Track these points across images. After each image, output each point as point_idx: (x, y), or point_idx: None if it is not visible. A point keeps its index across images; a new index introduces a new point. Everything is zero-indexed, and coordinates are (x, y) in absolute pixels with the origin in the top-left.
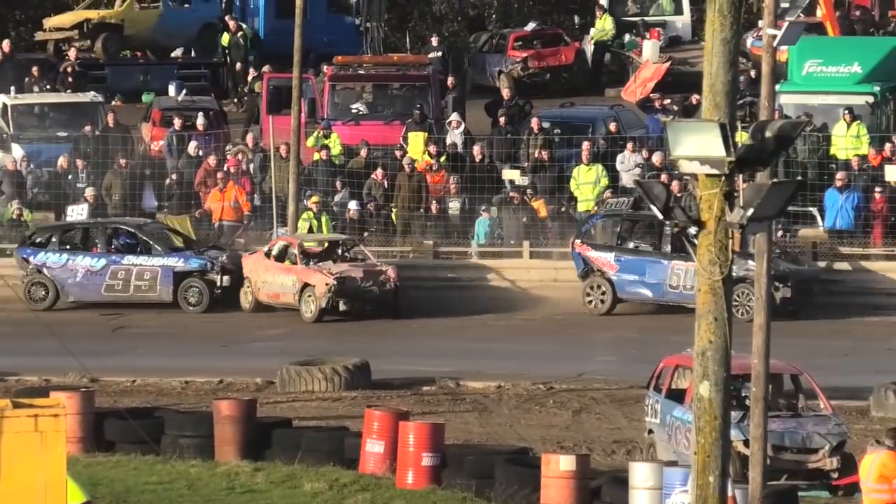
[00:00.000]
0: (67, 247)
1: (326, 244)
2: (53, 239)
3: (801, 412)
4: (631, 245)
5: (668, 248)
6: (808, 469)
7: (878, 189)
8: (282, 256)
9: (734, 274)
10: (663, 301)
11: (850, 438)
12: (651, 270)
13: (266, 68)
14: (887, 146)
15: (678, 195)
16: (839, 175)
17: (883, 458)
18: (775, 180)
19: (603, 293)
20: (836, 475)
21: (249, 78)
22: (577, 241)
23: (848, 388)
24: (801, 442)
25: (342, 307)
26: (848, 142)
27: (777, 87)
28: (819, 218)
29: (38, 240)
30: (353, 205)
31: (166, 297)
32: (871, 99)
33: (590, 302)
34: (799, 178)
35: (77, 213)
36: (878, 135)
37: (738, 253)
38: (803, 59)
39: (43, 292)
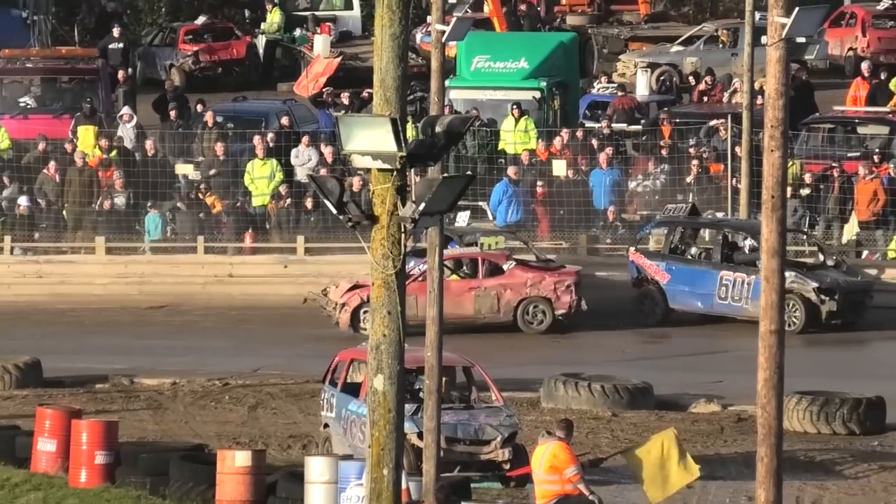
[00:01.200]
0: None
1: None
2: None
3: (473, 404)
4: (690, 254)
5: (717, 258)
6: (481, 460)
7: (539, 183)
8: None
9: None
10: (713, 312)
11: (522, 430)
12: (701, 280)
13: None
14: (556, 140)
15: (356, 191)
16: (510, 169)
17: (553, 449)
18: (446, 175)
19: (655, 303)
20: (508, 466)
21: None
22: (632, 249)
23: (519, 380)
24: (474, 434)
25: None
26: (516, 136)
27: (446, 82)
28: (489, 212)
29: None
30: (22, 200)
31: None
32: (538, 94)
33: (642, 312)
34: (468, 172)
35: None
36: (546, 129)
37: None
38: (472, 55)
39: None
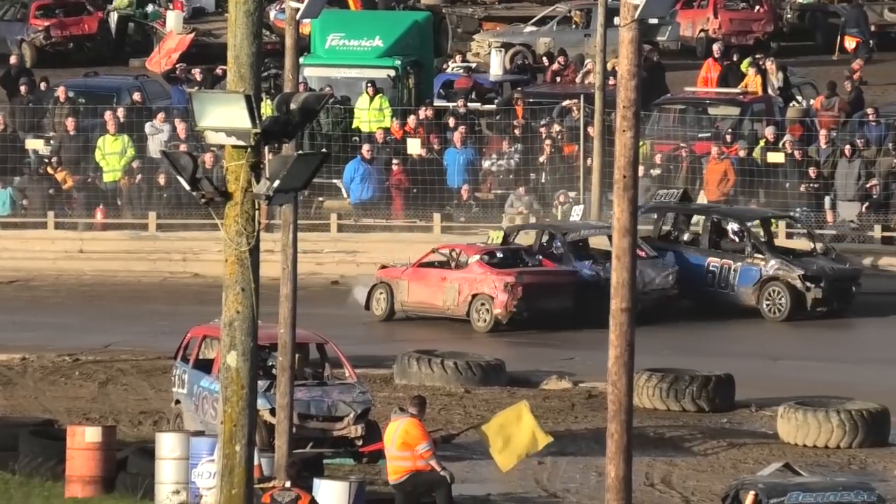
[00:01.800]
0: None
1: None
2: None
3: (326, 381)
4: (684, 240)
5: (705, 244)
6: (334, 437)
7: (395, 161)
8: None
9: (767, 273)
10: (701, 299)
11: (375, 406)
12: (688, 266)
13: None
14: (410, 119)
15: (209, 167)
16: (364, 147)
17: (406, 426)
18: (300, 152)
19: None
20: (360, 442)
21: None
22: None
23: (373, 357)
24: (327, 410)
25: None
26: (371, 115)
27: (301, 60)
28: (343, 190)
29: None
30: None
31: None
32: (392, 73)
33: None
34: (323, 150)
35: None
36: (401, 108)
37: (764, 252)
38: (326, 33)
39: None
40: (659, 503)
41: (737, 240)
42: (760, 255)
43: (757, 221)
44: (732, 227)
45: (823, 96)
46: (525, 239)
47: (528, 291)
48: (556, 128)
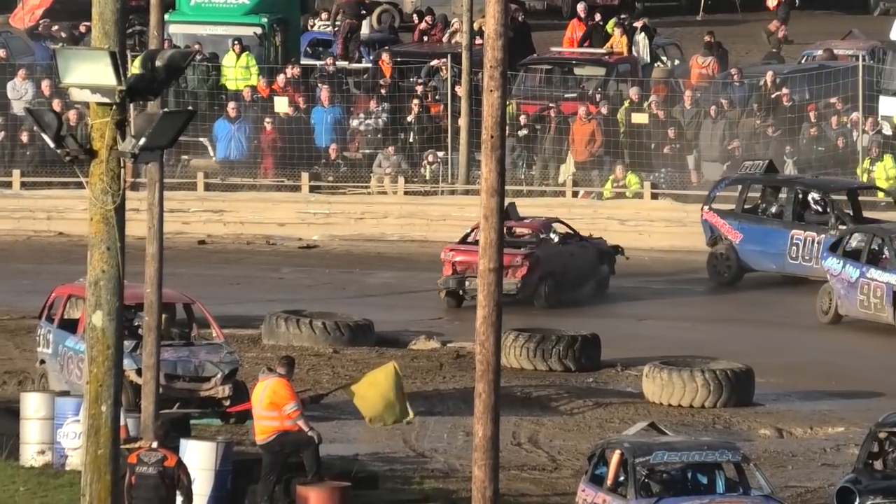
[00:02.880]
0: None
1: None
2: None
3: (193, 341)
4: (769, 213)
5: (789, 216)
6: (201, 397)
7: (268, 120)
8: None
9: None
10: (785, 272)
11: (243, 366)
12: (772, 239)
13: None
14: (279, 77)
15: (73, 125)
16: (230, 105)
17: (273, 386)
18: (166, 110)
19: (728, 264)
20: (228, 403)
21: None
22: (705, 208)
23: (240, 317)
24: (194, 370)
25: None
26: (238, 73)
27: (166, 16)
28: (210, 148)
29: None
30: None
31: None
32: (259, 30)
33: (715, 272)
34: (190, 108)
35: None
36: (268, 66)
37: (848, 223)
38: None
39: None
40: (526, 462)
41: (821, 211)
42: (845, 227)
43: (842, 193)
44: (814, 197)
45: (700, 55)
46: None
47: None
48: (419, 89)
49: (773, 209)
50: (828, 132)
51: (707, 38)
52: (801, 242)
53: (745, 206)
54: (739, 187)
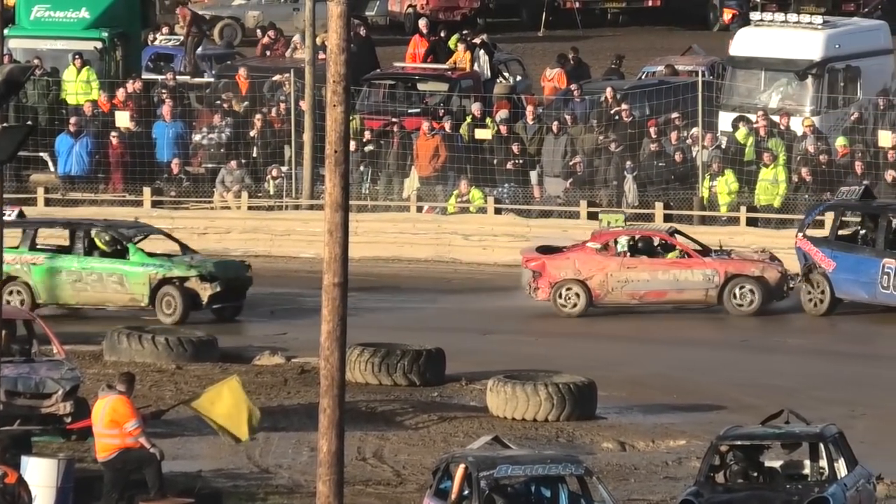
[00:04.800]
0: None
1: None
2: None
3: (34, 357)
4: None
5: (881, 244)
6: (42, 414)
7: (113, 134)
8: None
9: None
10: (877, 302)
11: (84, 383)
12: (864, 268)
13: None
14: (119, 92)
15: None
16: (71, 120)
17: (113, 403)
18: (6, 125)
19: (822, 292)
20: (69, 419)
21: None
22: (799, 235)
23: (82, 334)
24: (35, 387)
25: None
26: (78, 87)
27: (5, 31)
28: (51, 163)
29: None
30: None
31: None
32: (99, 45)
33: (810, 301)
34: (30, 122)
35: None
36: (109, 80)
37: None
38: (31, 4)
39: None
40: (371, 477)
41: None
42: None
43: None
44: None
45: (549, 67)
46: None
47: None
48: (267, 105)
49: (866, 237)
50: (668, 148)
51: (571, 54)
52: (893, 271)
53: (839, 234)
54: (833, 214)
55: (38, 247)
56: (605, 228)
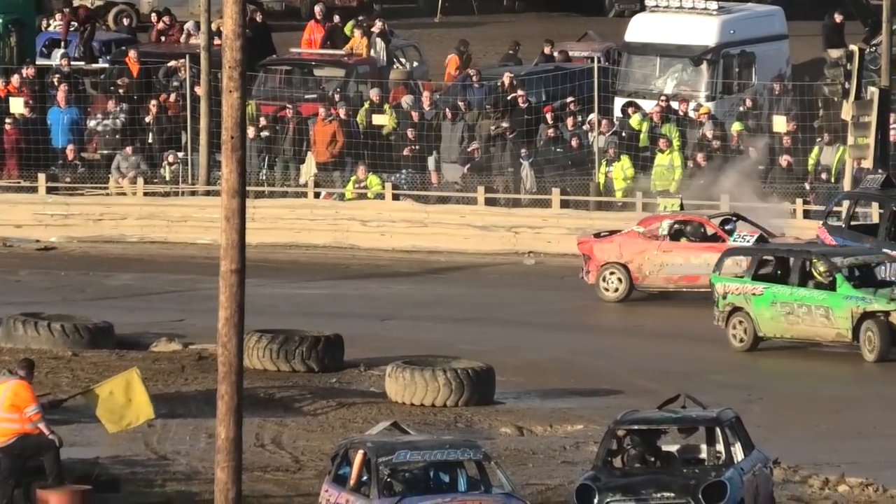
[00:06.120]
0: None
1: None
2: None
3: None
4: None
5: (882, 234)
6: None
7: (8, 120)
8: None
9: None
10: None
11: None
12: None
13: None
14: (14, 78)
15: None
16: None
17: (14, 388)
18: None
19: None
20: None
21: None
22: (819, 224)
23: None
24: None
25: None
26: None
27: None
28: None
29: None
30: None
31: None
32: None
33: None
34: None
35: None
36: (3, 66)
37: None
38: None
39: None
40: (269, 463)
41: None
42: None
43: None
44: None
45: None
46: None
47: None
48: (162, 97)
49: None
50: (564, 133)
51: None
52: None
53: (854, 222)
54: (853, 202)
55: (759, 275)
56: (662, 213)
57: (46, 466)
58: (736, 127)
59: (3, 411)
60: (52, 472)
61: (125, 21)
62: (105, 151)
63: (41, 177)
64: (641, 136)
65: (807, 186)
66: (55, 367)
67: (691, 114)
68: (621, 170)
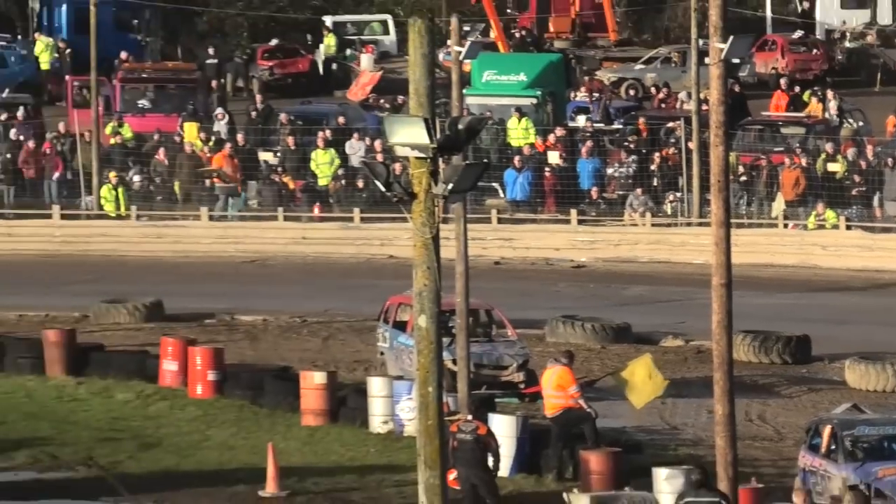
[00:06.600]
0: None
1: None
2: None
3: (493, 338)
4: None
5: None
6: (502, 381)
7: (548, 169)
8: None
9: None
10: None
11: (532, 358)
12: None
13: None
14: (550, 136)
15: (398, 173)
16: (516, 158)
17: (560, 372)
18: (467, 162)
19: None
20: (523, 386)
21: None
22: None
23: (528, 320)
24: (495, 361)
25: None
26: (519, 133)
27: (464, 91)
28: (501, 191)
29: None
30: (136, 178)
31: None
32: (535, 101)
33: None
34: (485, 160)
35: None
36: (542, 128)
37: None
38: (482, 70)
39: None
40: (756, 434)
41: None
42: None
43: None
44: None
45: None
46: None
47: None
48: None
49: None
50: None
51: None
52: None
53: None
54: None
55: None
56: None
57: (586, 433)
58: None
59: (551, 389)
60: (590, 437)
61: (632, 92)
62: (620, 192)
63: (573, 212)
64: None
65: None
66: (588, 356)
67: None
68: None
